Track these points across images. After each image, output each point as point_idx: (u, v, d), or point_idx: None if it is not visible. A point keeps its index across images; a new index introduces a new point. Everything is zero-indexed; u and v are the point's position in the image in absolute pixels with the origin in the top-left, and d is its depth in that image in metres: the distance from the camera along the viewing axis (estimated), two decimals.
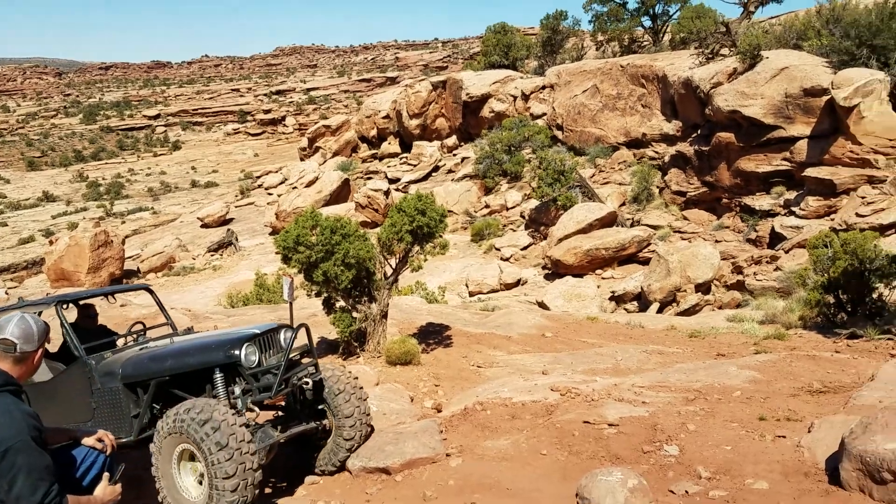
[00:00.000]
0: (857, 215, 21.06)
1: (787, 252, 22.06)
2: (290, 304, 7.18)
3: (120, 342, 7.06)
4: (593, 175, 32.25)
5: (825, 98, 23.31)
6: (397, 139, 46.53)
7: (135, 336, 7.27)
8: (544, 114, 37.38)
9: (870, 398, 6.94)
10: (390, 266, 11.52)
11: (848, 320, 13.24)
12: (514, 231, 30.88)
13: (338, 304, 11.47)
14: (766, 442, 6.18)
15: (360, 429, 6.69)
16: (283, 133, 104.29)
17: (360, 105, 63.87)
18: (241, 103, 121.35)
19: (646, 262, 23.44)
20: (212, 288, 29.54)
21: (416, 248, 11.38)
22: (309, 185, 40.43)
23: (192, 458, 5.43)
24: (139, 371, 6.01)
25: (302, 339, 6.62)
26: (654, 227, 27.30)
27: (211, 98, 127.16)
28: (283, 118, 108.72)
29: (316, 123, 60.18)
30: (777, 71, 24.94)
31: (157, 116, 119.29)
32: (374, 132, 48.28)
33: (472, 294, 24.27)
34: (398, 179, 41.51)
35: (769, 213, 24.75)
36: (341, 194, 39.89)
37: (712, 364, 9.80)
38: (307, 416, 6.63)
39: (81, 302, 7.65)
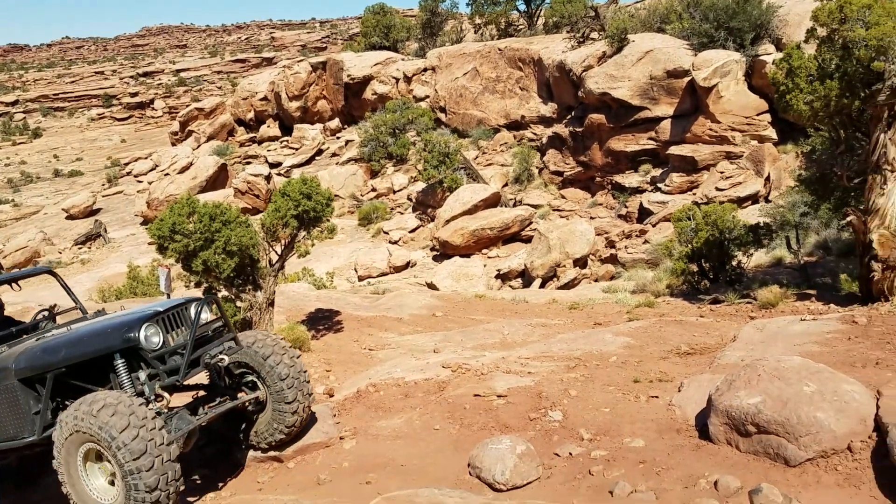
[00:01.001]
0: (717, 189, 22.68)
1: (654, 226, 23.48)
2: (168, 295, 6.88)
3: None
4: (477, 157, 32.84)
5: (687, 79, 24.83)
6: (277, 122, 45.29)
7: (43, 324, 6.65)
8: (427, 96, 37.57)
9: (733, 357, 7.60)
10: (275, 253, 11.35)
11: (711, 287, 14.33)
12: (402, 214, 31.01)
13: (220, 294, 11.20)
14: (640, 403, 6.66)
15: (301, 388, 6.19)
16: (153, 117, 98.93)
17: (236, 87, 61.55)
18: (105, 87, 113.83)
19: (528, 240, 24.24)
20: (81, 283, 27.82)
21: (303, 233, 11.27)
22: (182, 171, 38.75)
23: (100, 457, 4.99)
24: (33, 364, 5.47)
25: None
26: (535, 207, 28.21)
27: (73, 82, 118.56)
28: (152, 101, 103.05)
29: (188, 106, 57.48)
30: (643, 54, 26.28)
31: (14, 103, 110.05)
32: (251, 115, 46.76)
33: (361, 278, 24.24)
34: (279, 164, 40.53)
35: (638, 190, 26.18)
36: (218, 180, 38.50)
37: (590, 333, 10.37)
38: (234, 391, 6.15)
39: None
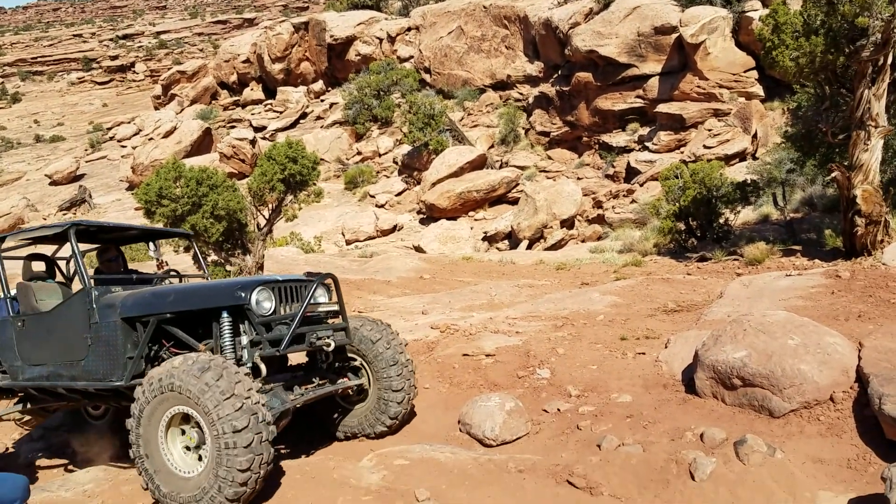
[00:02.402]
0: (705, 147, 22.70)
1: (641, 185, 23.52)
2: (158, 261, 6.76)
3: None
4: (462, 118, 32.61)
5: (674, 36, 24.65)
6: (260, 85, 44.69)
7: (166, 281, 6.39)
8: (411, 57, 37.12)
9: (719, 313, 7.69)
10: (263, 217, 11.33)
11: (698, 245, 14.45)
12: (388, 177, 30.86)
13: (209, 259, 11.18)
14: (627, 359, 6.75)
15: (408, 377, 5.81)
16: (134, 81, 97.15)
17: (217, 49, 60.46)
18: (85, 50, 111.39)
19: (515, 201, 24.24)
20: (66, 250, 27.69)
21: (290, 197, 11.23)
22: (166, 135, 38.28)
23: (185, 423, 4.61)
24: (139, 305, 5.24)
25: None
26: (522, 168, 28.15)
27: (51, 45, 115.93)
28: (133, 64, 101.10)
29: (170, 69, 56.52)
30: (630, 10, 26.01)
31: None
32: (234, 78, 46.08)
33: (348, 242, 24.23)
34: (264, 127, 40.11)
35: (625, 149, 26.16)
36: (203, 144, 38.08)
37: (578, 293, 10.45)
38: (335, 375, 5.74)
39: (103, 244, 6.51)
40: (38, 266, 6.38)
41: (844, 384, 5.06)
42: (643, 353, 6.81)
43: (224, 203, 10.36)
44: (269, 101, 43.09)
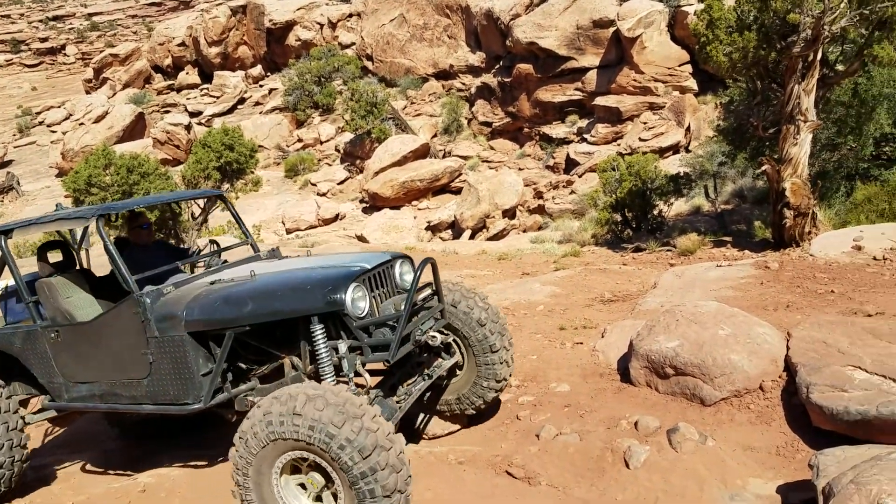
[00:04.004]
0: (640, 140, 23.18)
1: (580, 176, 23.88)
2: (87, 251, 6.33)
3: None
4: (405, 107, 32.46)
5: (612, 29, 25.04)
6: (196, 69, 43.48)
7: (205, 261, 5.53)
8: (353, 43, 36.69)
9: (653, 304, 7.85)
10: (198, 206, 11.03)
11: (633, 235, 14.74)
12: (330, 165, 30.50)
13: None
14: (566, 349, 6.84)
15: (504, 332, 5.27)
16: (65, 63, 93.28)
17: (152, 32, 58.54)
18: (13, 31, 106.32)
19: (458, 191, 24.30)
20: None
21: (226, 185, 10.97)
22: (98, 120, 36.93)
23: (297, 469, 3.85)
24: (209, 316, 4.42)
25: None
26: (465, 158, 28.22)
27: None
28: (64, 47, 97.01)
29: (102, 52, 54.45)
30: (569, 3, 26.29)
31: None
32: (169, 61, 44.71)
33: (289, 231, 23.86)
34: (200, 113, 39.08)
35: (565, 141, 26.50)
36: (136, 130, 36.90)
37: (519, 283, 10.54)
38: (426, 358, 5.07)
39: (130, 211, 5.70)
40: (54, 255, 5.58)
41: (773, 373, 5.22)
42: (581, 343, 6.92)
43: (156, 191, 10.06)
44: (206, 86, 42.01)
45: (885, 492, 3.18)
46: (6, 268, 5.17)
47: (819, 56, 10.40)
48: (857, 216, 11.08)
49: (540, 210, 22.97)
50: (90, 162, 9.99)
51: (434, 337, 4.60)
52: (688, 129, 23.03)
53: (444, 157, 28.22)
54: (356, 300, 4.26)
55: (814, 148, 11.57)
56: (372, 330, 4.31)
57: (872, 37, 10.12)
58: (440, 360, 5.09)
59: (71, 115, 43.61)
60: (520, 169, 26.53)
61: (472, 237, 20.91)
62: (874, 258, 8.49)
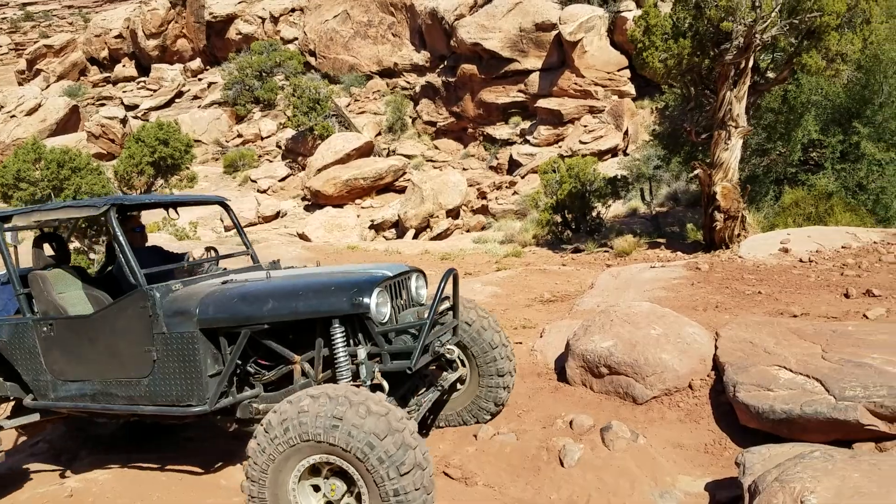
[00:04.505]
0: (581, 142, 23.55)
1: (523, 177, 24.12)
2: (15, 248, 6.06)
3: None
4: (349, 104, 32.20)
5: (554, 33, 25.35)
6: (133, 62, 42.17)
7: (202, 265, 5.28)
8: (296, 38, 36.20)
9: (590, 304, 7.99)
10: None
11: (573, 236, 14.99)
12: (271, 162, 30.01)
13: (72, 246, 10.46)
14: None
15: (511, 358, 5.30)
16: None
17: (88, 23, 56.55)
18: None
19: (402, 190, 24.23)
20: None
21: (161, 181, 10.67)
22: (30, 112, 35.44)
23: (316, 471, 3.68)
24: (225, 313, 4.24)
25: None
26: (409, 157, 28.15)
27: None
28: None
29: (36, 43, 52.33)
30: (512, 5, 26.50)
31: None
32: (105, 53, 43.25)
33: (227, 229, 23.34)
34: (136, 106, 37.94)
35: (508, 142, 26.72)
36: (70, 123, 35.55)
37: (461, 283, 10.56)
38: (425, 375, 4.99)
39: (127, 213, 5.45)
40: (49, 249, 5.30)
41: (702, 372, 5.37)
42: (520, 343, 6.98)
43: (88, 187, 9.75)
44: (143, 79, 40.81)
45: (807, 489, 3.29)
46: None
47: (750, 64, 10.76)
48: (785, 219, 11.50)
49: (483, 210, 23.10)
50: (19, 156, 9.61)
51: (452, 350, 4.58)
52: (626, 132, 23.52)
53: (388, 155, 28.11)
54: (380, 305, 4.16)
55: (744, 153, 11.97)
56: (392, 337, 4.24)
57: (802, 46, 10.53)
58: (444, 373, 5.04)
59: (2, 107, 41.72)
60: (464, 169, 26.63)
61: (415, 237, 20.88)
62: (800, 260, 8.83)
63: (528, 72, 26.30)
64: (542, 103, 25.62)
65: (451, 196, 21.83)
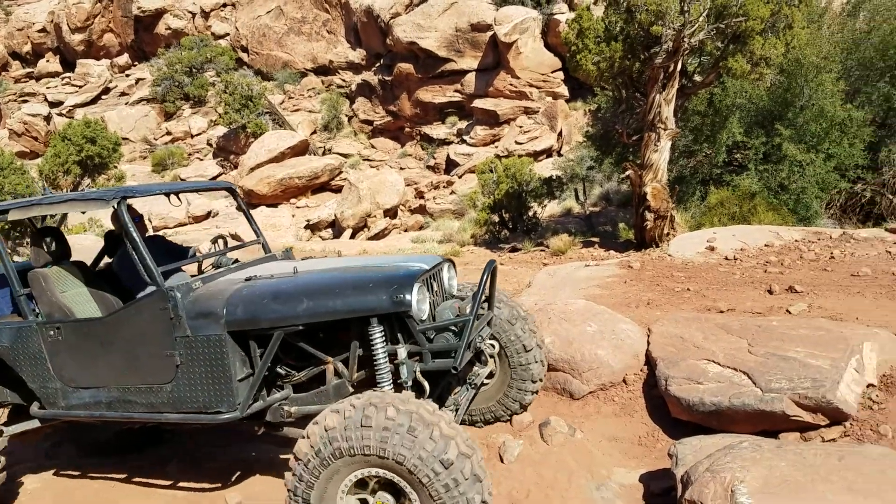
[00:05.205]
0: (516, 143, 23.85)
1: (460, 177, 24.28)
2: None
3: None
4: (283, 102, 31.70)
5: (489, 34, 25.59)
6: (58, 56, 40.42)
7: (215, 258, 4.94)
8: (227, 34, 35.42)
9: (528, 302, 8.04)
10: None
11: (510, 236, 15.16)
12: (202, 160, 29.30)
13: None
14: None
15: (542, 360, 5.05)
16: None
17: (9, 16, 53.95)
18: None
19: (338, 190, 24.04)
20: None
21: (87, 180, 10.30)
22: None
23: (363, 483, 3.48)
24: (257, 314, 3.96)
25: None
26: (345, 156, 27.94)
27: None
28: None
29: None
30: (448, 5, 26.62)
31: None
32: (28, 48, 41.29)
33: (156, 229, 22.67)
34: (61, 103, 36.38)
35: (445, 142, 26.84)
36: None
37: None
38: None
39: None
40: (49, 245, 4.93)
41: (636, 367, 5.52)
42: None
43: (10, 187, 9.31)
44: (68, 75, 39.19)
45: (737, 479, 3.41)
46: None
47: (679, 67, 11.08)
48: (711, 219, 11.90)
49: (421, 210, 23.14)
50: None
51: (493, 346, 4.42)
52: (560, 133, 23.93)
53: (323, 154, 27.82)
54: (420, 301, 3.94)
55: (673, 154, 12.33)
56: (432, 335, 4.02)
57: (727, 50, 10.90)
58: (475, 368, 4.76)
59: None
60: (401, 168, 26.60)
61: (352, 236, 20.75)
62: (725, 258, 9.16)
63: (464, 72, 26.45)
64: (479, 103, 25.81)
65: (389, 195, 21.77)
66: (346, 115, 30.51)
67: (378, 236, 20.40)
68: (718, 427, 4.49)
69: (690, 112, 13.07)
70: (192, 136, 31.19)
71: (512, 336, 4.82)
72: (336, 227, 21.59)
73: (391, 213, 21.94)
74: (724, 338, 5.36)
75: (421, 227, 21.06)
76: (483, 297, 4.22)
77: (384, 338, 3.91)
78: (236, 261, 4.98)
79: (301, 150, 25.90)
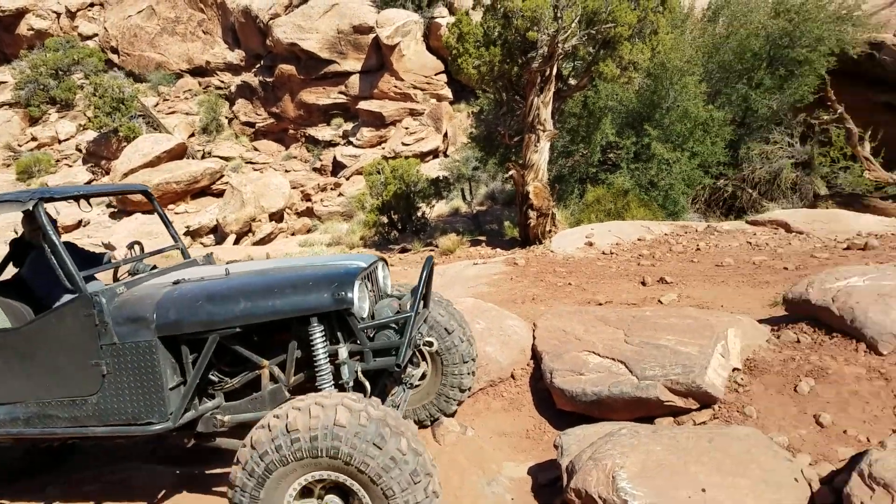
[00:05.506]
0: (403, 144, 23.96)
1: (348, 179, 24.12)
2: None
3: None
4: (158, 104, 30.31)
5: (372, 36, 25.55)
6: None
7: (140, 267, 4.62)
8: (96, 35, 33.45)
9: None
10: None
11: (399, 237, 15.22)
12: (71, 167, 27.53)
13: None
14: None
15: (473, 342, 5.03)
16: None
17: None
18: None
19: (220, 194, 23.27)
20: None
21: None
22: None
23: (307, 492, 3.36)
24: (191, 317, 3.76)
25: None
26: (226, 159, 27.08)
27: None
28: None
29: None
30: (329, 7, 26.37)
31: None
32: None
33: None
34: None
35: (331, 144, 26.57)
36: None
37: None
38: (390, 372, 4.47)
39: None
40: None
41: (523, 362, 5.67)
42: None
43: None
44: None
45: (617, 465, 3.54)
46: None
47: (555, 71, 11.49)
48: (589, 215, 12.44)
49: (308, 213, 22.80)
50: None
51: (431, 342, 4.38)
52: (445, 135, 24.23)
53: (203, 157, 26.83)
54: (361, 299, 3.86)
55: (552, 155, 12.79)
56: (372, 333, 3.94)
57: (599, 55, 11.41)
58: (409, 369, 4.70)
59: None
60: (286, 171, 26.09)
61: (236, 242, 20.15)
62: (603, 252, 9.62)
63: (348, 73, 26.27)
64: (364, 105, 25.72)
65: (274, 199, 21.32)
66: (227, 118, 29.57)
67: (264, 241, 19.93)
68: (600, 416, 4.65)
69: (567, 114, 13.59)
70: (60, 142, 29.24)
71: (450, 344, 4.81)
72: (219, 233, 20.90)
73: (277, 216, 21.49)
74: (603, 329, 5.56)
75: (309, 231, 20.76)
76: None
77: (324, 338, 3.81)
78: (154, 267, 4.76)
79: (178, 153, 24.89)
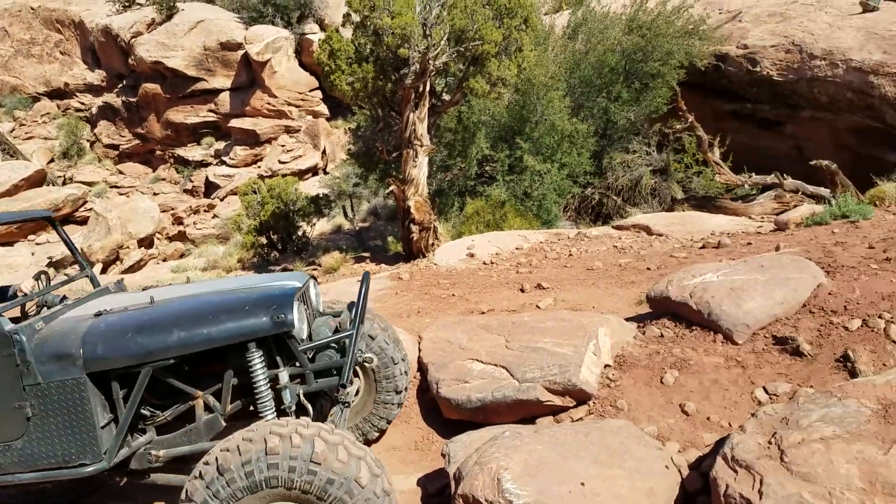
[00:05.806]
0: (280, 162, 23.58)
1: (222, 200, 23.44)
2: None
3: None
4: (13, 129, 28.31)
5: (241, 52, 25.05)
6: None
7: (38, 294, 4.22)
8: None
9: None
10: None
11: (280, 257, 14.96)
12: None
13: None
14: None
15: (409, 372, 5.00)
16: None
17: None
18: None
19: (84, 221, 22.00)
20: None
21: None
22: None
23: None
24: (121, 351, 3.52)
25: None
26: (90, 184, 25.65)
27: None
28: None
29: None
30: (194, 24, 25.62)
31: None
32: None
33: None
34: None
35: (203, 164, 25.75)
36: None
37: None
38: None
39: None
40: None
41: (409, 375, 5.76)
42: None
43: None
44: None
45: (502, 467, 3.61)
46: None
47: (428, 87, 11.69)
48: (469, 227, 12.73)
49: (181, 237, 21.93)
50: None
51: (371, 359, 4.30)
52: (324, 151, 24.07)
53: (64, 183, 25.26)
54: (301, 320, 3.72)
55: (431, 169, 12.99)
56: (311, 354, 3.83)
57: (469, 71, 11.72)
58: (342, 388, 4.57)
59: None
60: (155, 194, 25.02)
61: (104, 271, 19.08)
62: (484, 263, 9.89)
63: (217, 91, 25.58)
64: (236, 123, 25.11)
65: (143, 224, 20.39)
66: (88, 140, 28.01)
67: (133, 268, 19.00)
68: (485, 421, 4.74)
69: (443, 129, 13.86)
70: None
71: (376, 348, 4.74)
72: None
73: (146, 242, 20.54)
74: (485, 337, 5.67)
75: (182, 255, 19.98)
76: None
77: (263, 363, 3.69)
78: (64, 297, 4.47)
79: (37, 180, 23.31)
